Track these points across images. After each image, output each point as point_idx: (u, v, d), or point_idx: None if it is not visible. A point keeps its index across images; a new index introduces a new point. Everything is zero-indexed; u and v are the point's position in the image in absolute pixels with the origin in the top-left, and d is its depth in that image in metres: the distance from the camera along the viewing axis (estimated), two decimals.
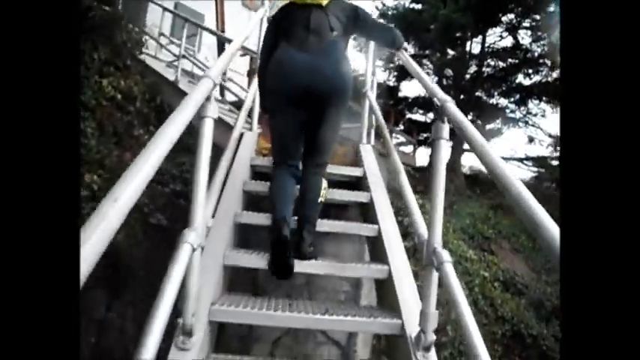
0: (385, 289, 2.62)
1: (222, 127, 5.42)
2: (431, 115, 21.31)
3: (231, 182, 3.08)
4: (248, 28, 3.32)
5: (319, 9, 2.65)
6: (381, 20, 15.74)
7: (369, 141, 4.21)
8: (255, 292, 2.95)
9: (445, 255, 1.95)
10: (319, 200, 2.69)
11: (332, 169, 3.50)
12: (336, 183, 3.42)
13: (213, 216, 2.59)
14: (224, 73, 8.28)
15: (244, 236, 3.03)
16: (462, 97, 18.34)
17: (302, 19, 2.63)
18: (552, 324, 9.32)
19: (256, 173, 3.57)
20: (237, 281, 2.84)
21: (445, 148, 2.15)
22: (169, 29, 10.76)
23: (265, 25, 3.44)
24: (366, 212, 3.31)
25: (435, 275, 2.00)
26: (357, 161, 3.89)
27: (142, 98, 6.44)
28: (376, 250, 2.93)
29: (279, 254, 2.42)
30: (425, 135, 21.60)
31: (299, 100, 2.56)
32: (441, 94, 2.17)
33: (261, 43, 3.12)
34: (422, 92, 21.57)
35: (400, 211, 3.76)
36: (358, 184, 3.60)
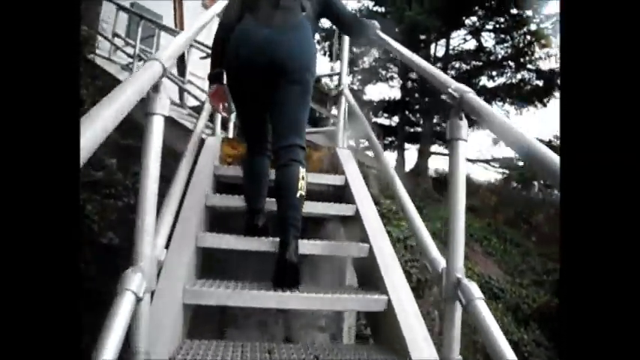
0: (384, 323, 2.18)
1: (181, 131, 4.97)
2: (395, 119, 21.15)
3: (192, 197, 2.59)
4: (206, 15, 2.82)
5: None
6: None
7: (347, 145, 3.77)
8: (222, 331, 2.48)
9: (474, 289, 1.52)
10: (298, 194, 2.31)
11: (308, 177, 3.05)
12: (314, 194, 2.97)
13: (167, 246, 2.09)
14: (183, 75, 7.72)
15: (209, 262, 2.54)
16: (426, 99, 18.20)
17: None
18: (531, 327, 9.11)
19: (221, 185, 3.10)
20: (201, 322, 2.34)
21: (464, 150, 1.72)
22: (125, 29, 10.07)
23: None
24: (351, 228, 2.87)
25: (459, 313, 1.57)
26: (335, 167, 3.45)
27: (91, 102, 5.86)
28: (367, 274, 2.48)
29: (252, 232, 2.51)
30: (390, 139, 21.47)
31: (263, 77, 2.40)
32: (456, 84, 1.75)
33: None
34: (387, 95, 21.46)
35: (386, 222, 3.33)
36: (339, 194, 3.16)
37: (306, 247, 2.43)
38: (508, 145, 1.46)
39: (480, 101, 1.64)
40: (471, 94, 1.65)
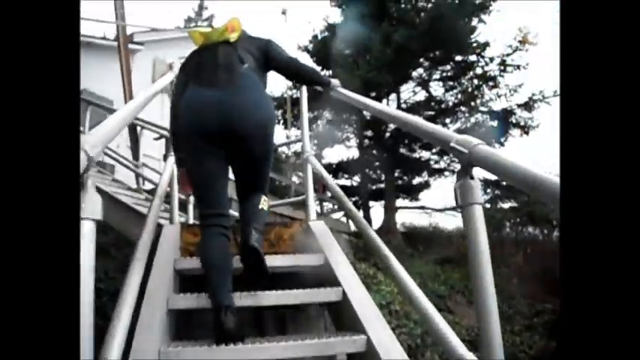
0: None
1: (138, 218, 4.57)
2: (357, 179, 21.06)
3: (149, 301, 2.20)
4: (143, 94, 2.53)
5: (227, 45, 2.53)
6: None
7: (318, 216, 3.46)
8: None
9: None
10: (260, 207, 2.49)
11: (279, 260, 2.72)
12: (291, 280, 2.65)
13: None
14: (136, 158, 7.37)
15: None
16: (385, 155, 18.21)
17: (209, 57, 2.50)
18: None
19: (185, 280, 2.72)
20: None
21: (481, 215, 1.41)
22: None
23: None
24: (338, 316, 2.52)
25: None
26: (309, 245, 3.12)
27: None
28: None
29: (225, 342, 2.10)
30: (353, 199, 21.29)
31: (216, 140, 2.35)
32: (458, 136, 1.47)
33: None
34: (344, 156, 21.44)
35: None
36: (318, 276, 2.82)
37: (292, 349, 2.09)
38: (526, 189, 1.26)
39: (491, 151, 1.35)
40: (481, 146, 1.37)
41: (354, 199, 21.18)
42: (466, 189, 1.41)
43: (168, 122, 2.69)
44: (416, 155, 19.70)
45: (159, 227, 2.83)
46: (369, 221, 19.19)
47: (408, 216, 21.80)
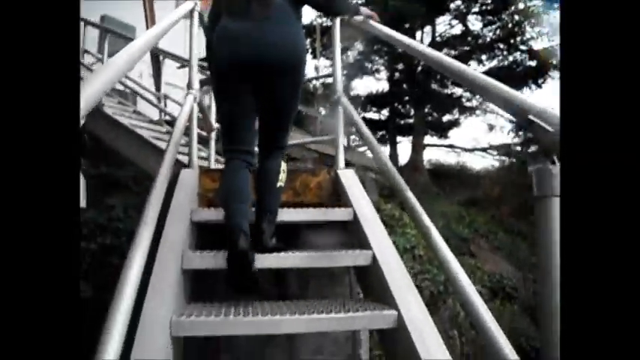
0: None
1: (157, 154, 4.39)
2: (385, 113, 20.63)
3: (162, 259, 2.01)
4: (167, 20, 2.32)
5: None
6: None
7: (347, 164, 3.21)
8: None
9: None
10: (278, 185, 2.40)
11: (303, 214, 2.51)
12: (312, 234, 2.45)
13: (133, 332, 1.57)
14: (158, 89, 7.12)
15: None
16: (415, 90, 17.69)
17: None
18: None
19: (202, 233, 2.52)
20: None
21: (557, 210, 1.12)
22: (97, 45, 9.36)
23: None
24: (366, 280, 2.31)
25: None
26: (336, 194, 2.89)
27: None
28: (399, 349, 1.90)
29: (238, 270, 2.01)
30: (380, 133, 20.95)
31: (244, 75, 2.27)
32: (548, 109, 1.17)
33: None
34: (374, 89, 20.93)
35: None
36: (346, 233, 2.60)
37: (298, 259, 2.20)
38: None
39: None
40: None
41: (381, 132, 20.89)
42: (544, 176, 1.12)
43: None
44: (447, 91, 19.12)
45: (177, 166, 2.59)
46: (396, 157, 18.92)
47: (435, 153, 21.38)
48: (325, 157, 11.39)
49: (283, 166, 2.46)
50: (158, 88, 7.14)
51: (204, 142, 4.50)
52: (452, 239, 11.01)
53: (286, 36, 2.30)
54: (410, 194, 2.27)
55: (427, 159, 19.26)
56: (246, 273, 2.00)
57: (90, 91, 1.12)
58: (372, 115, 20.96)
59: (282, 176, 2.44)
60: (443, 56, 2.01)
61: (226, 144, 2.42)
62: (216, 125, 4.24)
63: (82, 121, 1.03)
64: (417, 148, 17.66)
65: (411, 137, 19.23)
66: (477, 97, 18.72)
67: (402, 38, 2.44)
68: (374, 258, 2.20)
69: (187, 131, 3.01)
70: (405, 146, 21.65)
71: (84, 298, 3.64)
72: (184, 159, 4.09)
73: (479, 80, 1.59)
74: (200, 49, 3.01)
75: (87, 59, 7.67)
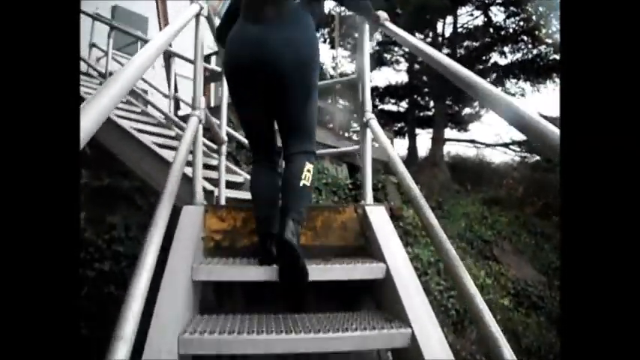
0: None
1: (162, 165, 4.01)
2: (404, 104, 20.17)
3: (154, 336, 1.63)
4: (170, 30, 1.95)
5: None
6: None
7: (373, 199, 2.77)
8: None
9: None
10: (301, 184, 2.22)
11: (328, 273, 2.13)
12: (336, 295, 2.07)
13: None
14: (175, 88, 6.72)
15: None
16: (435, 82, 17.14)
17: None
18: None
19: (208, 292, 2.13)
20: None
21: None
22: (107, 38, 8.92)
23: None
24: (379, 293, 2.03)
25: None
26: (363, 236, 2.47)
27: None
28: None
29: (287, 263, 2.01)
30: (399, 125, 20.50)
31: (250, 79, 2.22)
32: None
33: None
34: (393, 80, 20.46)
35: None
36: (376, 293, 2.18)
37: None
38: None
39: None
40: None
41: (399, 124, 20.42)
42: None
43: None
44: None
45: (175, 210, 2.17)
46: (415, 150, 18.42)
47: (455, 147, 20.84)
48: (343, 155, 11.02)
49: (308, 165, 2.28)
50: (174, 88, 6.77)
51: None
52: (474, 241, 10.58)
53: (293, 39, 2.21)
54: (431, 218, 2.06)
55: (446, 152, 18.79)
56: (294, 265, 1.99)
57: (86, 123, 1.02)
58: (391, 107, 20.52)
59: (308, 175, 2.28)
60: (452, 62, 1.84)
61: (253, 153, 2.44)
62: (226, 139, 3.84)
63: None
64: (437, 142, 17.15)
65: (429, 129, 18.76)
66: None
67: (417, 43, 2.19)
68: (412, 337, 1.78)
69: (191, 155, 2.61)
70: (423, 138, 21.15)
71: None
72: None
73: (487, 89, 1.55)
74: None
75: (94, 53, 7.31)
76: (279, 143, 2.45)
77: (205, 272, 2.05)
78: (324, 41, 18.76)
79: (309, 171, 2.27)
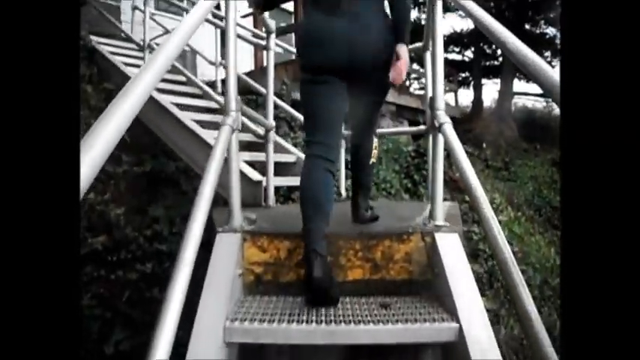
0: None
1: (207, 150, 3.66)
2: (469, 54, 19.08)
3: None
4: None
5: None
6: None
7: (447, 219, 2.31)
8: None
9: None
10: (371, 162, 2.49)
11: (383, 335, 1.76)
12: None
13: None
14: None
15: None
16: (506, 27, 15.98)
17: None
18: None
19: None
20: None
21: None
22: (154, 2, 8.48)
23: None
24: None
25: None
26: (431, 269, 2.05)
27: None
28: None
29: (317, 295, 1.89)
30: (464, 75, 19.46)
31: (337, 75, 2.20)
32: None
33: None
34: (457, 28, 19.32)
35: None
36: (445, 351, 1.79)
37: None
38: None
39: None
40: None
41: (464, 75, 19.36)
42: None
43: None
44: (539, 31, 17.30)
45: (207, 237, 1.80)
46: (480, 103, 17.43)
47: (523, 100, 19.67)
48: (402, 110, 10.42)
49: (375, 142, 2.52)
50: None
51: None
52: (543, 207, 9.91)
53: (376, 34, 2.20)
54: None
55: (514, 102, 17.76)
56: (325, 298, 1.90)
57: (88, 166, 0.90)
58: (455, 56, 19.43)
59: (374, 152, 2.51)
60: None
61: (309, 135, 2.31)
62: (273, 123, 3.43)
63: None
64: (505, 94, 16.13)
65: (497, 80, 17.70)
66: None
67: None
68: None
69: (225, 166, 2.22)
70: (490, 88, 20.14)
71: (122, 350, 3.01)
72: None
73: None
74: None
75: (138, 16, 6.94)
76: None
77: (240, 333, 1.69)
78: None
79: (375, 148, 2.52)
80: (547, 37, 17.50)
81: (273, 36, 3.50)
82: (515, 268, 1.47)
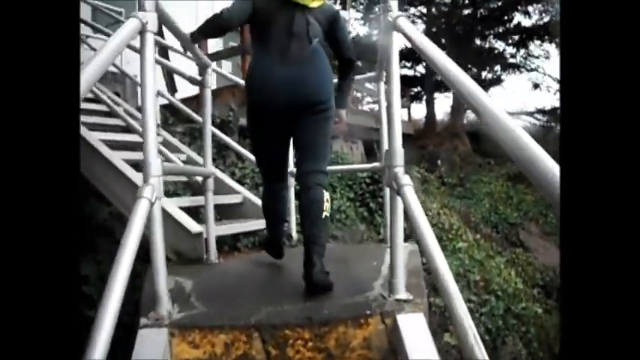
0: None
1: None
2: (421, 69, 19.15)
3: None
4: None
5: (303, 10, 2.42)
6: None
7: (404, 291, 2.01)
8: None
9: None
10: (323, 216, 2.35)
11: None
12: None
13: None
14: (173, 91, 5.97)
15: None
16: (455, 44, 16.16)
17: (284, 22, 2.40)
18: None
19: None
20: None
21: None
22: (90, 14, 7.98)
23: None
24: None
25: None
26: (393, 357, 1.76)
27: None
28: None
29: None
30: (415, 90, 19.52)
31: (281, 117, 2.41)
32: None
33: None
34: (408, 43, 19.45)
35: None
36: None
37: None
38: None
39: None
40: None
41: (415, 90, 19.40)
42: None
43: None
44: (488, 45, 17.57)
45: (123, 332, 1.47)
46: (433, 117, 17.45)
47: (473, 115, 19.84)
48: (355, 130, 10.18)
49: (327, 195, 2.42)
50: (172, 89, 6.09)
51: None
52: (500, 224, 9.84)
53: (320, 80, 2.40)
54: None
55: (467, 118, 17.92)
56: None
57: None
58: (407, 71, 19.47)
59: (327, 206, 2.40)
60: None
61: (260, 168, 2.70)
62: (212, 170, 3.11)
63: None
64: (457, 110, 16.20)
65: (449, 94, 17.81)
66: (522, 52, 17.13)
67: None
68: None
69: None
70: (442, 102, 20.26)
71: None
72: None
73: None
74: None
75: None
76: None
77: None
78: (335, 2, 17.71)
79: (328, 201, 2.39)
80: (496, 51, 17.75)
81: (209, 71, 3.16)
82: None
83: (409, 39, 1.89)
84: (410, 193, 1.84)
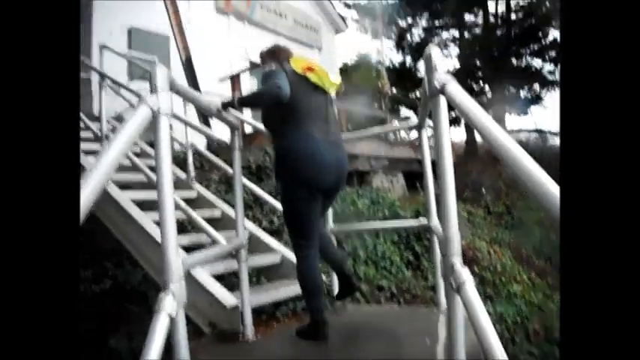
0: None
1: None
2: None
3: None
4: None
5: (326, 93, 2.73)
6: None
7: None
8: None
9: None
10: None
11: None
12: None
13: None
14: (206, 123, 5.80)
15: None
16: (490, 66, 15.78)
17: (321, 103, 2.68)
18: None
19: None
20: None
21: None
22: (127, 70, 7.96)
23: None
24: None
25: None
26: None
27: None
28: None
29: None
30: (453, 113, 19.11)
31: (329, 190, 2.69)
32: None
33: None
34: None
35: None
36: None
37: None
38: None
39: None
40: None
41: (453, 112, 19.00)
42: None
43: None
44: (525, 64, 17.16)
45: None
46: (474, 142, 16.94)
47: (516, 135, 19.31)
48: (396, 163, 9.86)
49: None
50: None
51: None
52: (553, 256, 9.26)
53: (346, 156, 2.76)
54: None
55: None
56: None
57: None
58: None
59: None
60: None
61: (299, 239, 2.70)
62: (246, 237, 2.88)
63: None
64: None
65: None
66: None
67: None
68: None
69: None
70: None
71: None
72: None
73: None
74: None
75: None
76: None
77: None
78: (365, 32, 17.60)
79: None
80: (533, 69, 17.29)
81: (237, 132, 2.94)
82: None
83: (457, 107, 1.63)
84: (472, 291, 1.53)
